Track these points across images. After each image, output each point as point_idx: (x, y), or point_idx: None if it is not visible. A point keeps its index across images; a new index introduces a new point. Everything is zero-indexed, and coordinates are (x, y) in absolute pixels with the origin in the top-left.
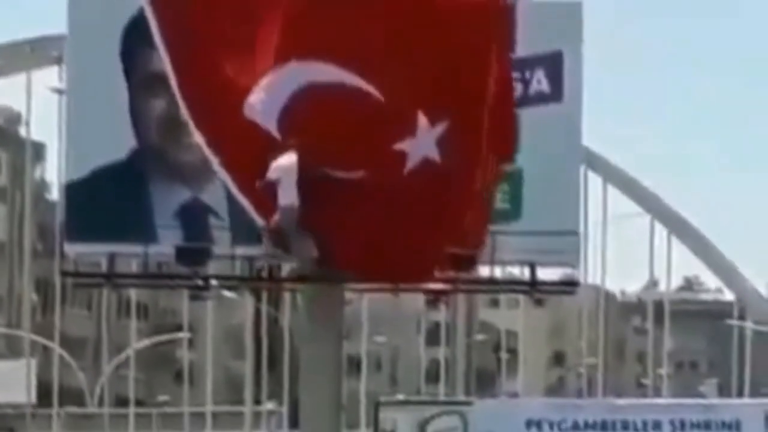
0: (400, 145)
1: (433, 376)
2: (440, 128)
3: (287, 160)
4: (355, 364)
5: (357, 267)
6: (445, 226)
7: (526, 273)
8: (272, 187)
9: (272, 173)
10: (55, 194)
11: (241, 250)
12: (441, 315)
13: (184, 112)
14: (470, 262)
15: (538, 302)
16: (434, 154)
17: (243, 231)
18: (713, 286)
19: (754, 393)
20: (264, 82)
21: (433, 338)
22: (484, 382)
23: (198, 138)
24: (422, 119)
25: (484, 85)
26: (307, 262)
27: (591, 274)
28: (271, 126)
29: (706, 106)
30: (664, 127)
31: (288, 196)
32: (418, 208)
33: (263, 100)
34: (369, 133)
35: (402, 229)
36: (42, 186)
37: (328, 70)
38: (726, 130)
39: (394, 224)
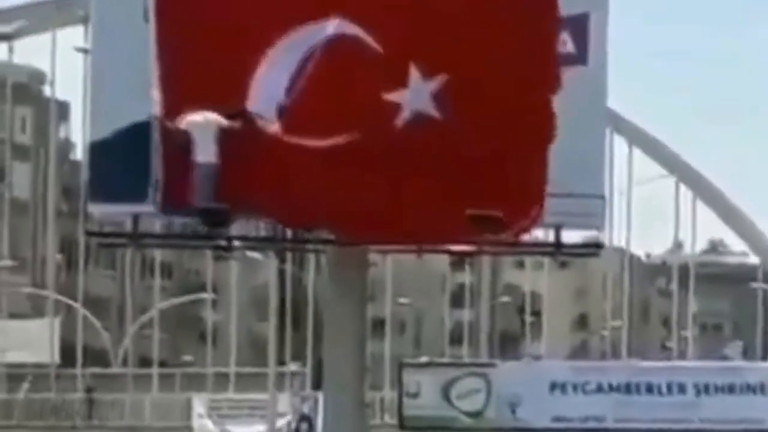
0: (391, 96)
1: (457, 338)
2: (436, 82)
3: (201, 116)
4: (379, 326)
5: (371, 235)
6: (462, 186)
7: (550, 235)
8: (183, 138)
9: (183, 124)
10: (79, 154)
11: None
12: (465, 277)
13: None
14: (499, 225)
15: (563, 264)
16: (430, 109)
17: None
18: (738, 249)
19: None
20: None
21: (457, 300)
22: (508, 345)
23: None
24: (414, 71)
25: (493, 43)
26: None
27: (616, 236)
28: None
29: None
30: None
31: (205, 153)
32: (420, 164)
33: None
34: (360, 85)
35: (405, 188)
36: (66, 145)
37: (330, 23)
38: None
39: (395, 184)
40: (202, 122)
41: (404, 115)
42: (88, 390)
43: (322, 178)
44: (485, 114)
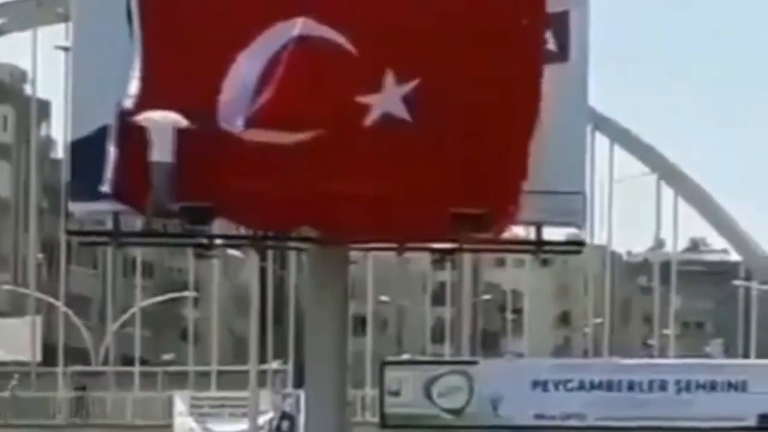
0: (363, 99)
1: (438, 336)
2: (409, 86)
3: (159, 115)
4: (360, 324)
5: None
6: (442, 185)
7: (532, 233)
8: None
9: (142, 121)
10: (60, 152)
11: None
12: (446, 275)
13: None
14: (482, 223)
15: (544, 262)
16: (400, 111)
17: None
18: (719, 247)
19: (760, 353)
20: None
21: (438, 298)
22: (490, 342)
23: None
24: (389, 77)
25: (468, 47)
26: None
27: (597, 234)
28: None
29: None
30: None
31: (161, 153)
32: (396, 163)
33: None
34: (333, 87)
35: (385, 188)
36: (47, 144)
37: (308, 24)
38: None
39: (374, 184)
40: (159, 121)
41: (373, 116)
42: (80, 388)
43: (295, 177)
44: (462, 114)
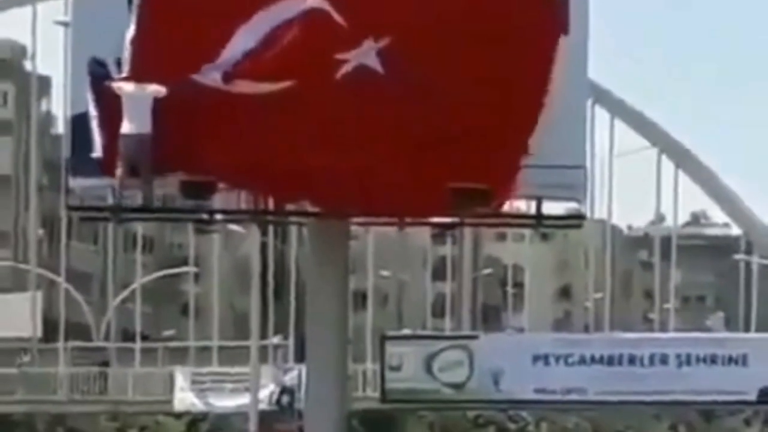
0: (338, 55)
1: (439, 311)
2: (383, 42)
3: (134, 86)
4: (361, 299)
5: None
6: (442, 158)
7: (532, 207)
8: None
9: (116, 89)
10: (60, 128)
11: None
12: (447, 249)
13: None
14: (483, 197)
15: (544, 236)
16: (373, 63)
17: None
18: (720, 221)
19: (761, 327)
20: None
21: (439, 273)
22: (491, 317)
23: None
24: (369, 40)
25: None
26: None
27: (597, 208)
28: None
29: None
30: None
31: (135, 125)
32: (392, 136)
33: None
34: (314, 46)
35: (382, 161)
36: (48, 120)
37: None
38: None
39: (371, 158)
40: (133, 92)
41: (344, 70)
42: (104, 363)
43: (280, 139)
44: (459, 87)
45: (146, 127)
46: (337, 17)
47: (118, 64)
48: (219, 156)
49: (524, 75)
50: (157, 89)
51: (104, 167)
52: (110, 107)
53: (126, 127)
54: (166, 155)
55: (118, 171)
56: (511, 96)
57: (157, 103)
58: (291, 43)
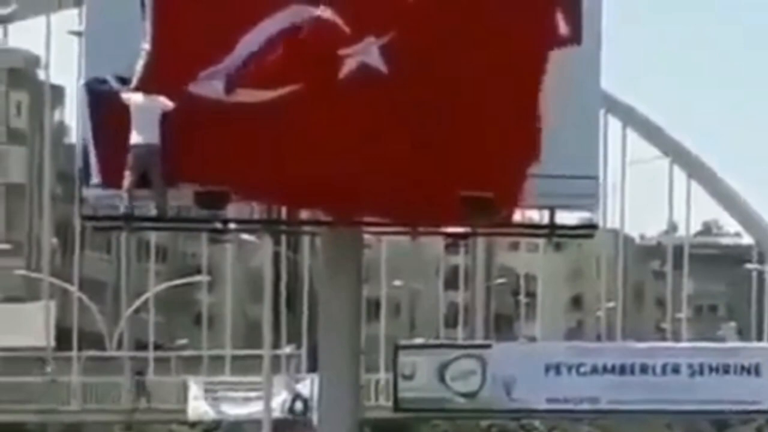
0: (338, 52)
1: (451, 320)
2: (385, 38)
3: (143, 97)
4: (374, 308)
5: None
6: (452, 167)
7: (545, 217)
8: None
9: (126, 100)
10: (74, 137)
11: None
12: (460, 258)
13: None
14: (492, 207)
15: (557, 246)
16: (376, 61)
17: None
18: (732, 230)
19: None
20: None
21: (451, 282)
22: (503, 326)
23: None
24: (369, 38)
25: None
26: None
27: (610, 218)
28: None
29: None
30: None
31: (145, 136)
32: (366, 129)
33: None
34: (312, 46)
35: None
36: (61, 129)
37: (303, 9)
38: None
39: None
40: (142, 103)
41: (347, 68)
42: (139, 373)
43: (297, 163)
44: (464, 95)
45: (155, 138)
46: (341, 23)
47: (121, 80)
48: (230, 168)
49: (519, 81)
50: (164, 102)
51: (108, 181)
52: (114, 121)
53: (135, 138)
54: (178, 168)
55: (126, 181)
56: (509, 101)
57: (166, 117)
58: (292, 48)
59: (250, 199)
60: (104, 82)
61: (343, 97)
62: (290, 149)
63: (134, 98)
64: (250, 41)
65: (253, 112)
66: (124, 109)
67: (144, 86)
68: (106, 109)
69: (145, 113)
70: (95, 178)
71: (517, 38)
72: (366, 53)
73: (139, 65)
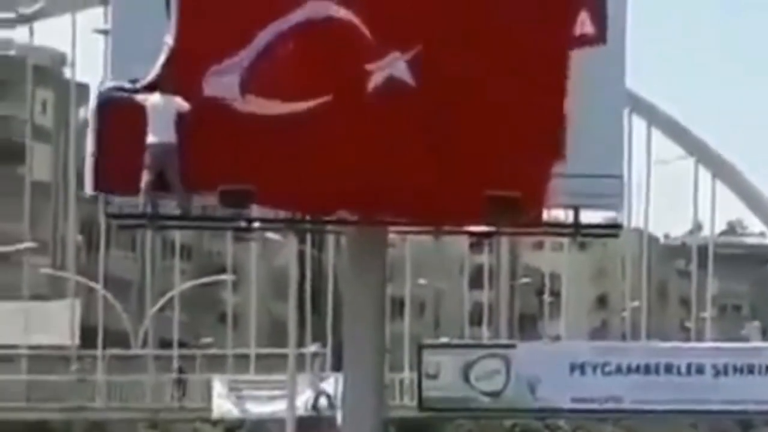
0: (366, 66)
1: (476, 319)
2: (411, 52)
3: (160, 97)
4: (398, 307)
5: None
6: (477, 167)
7: (570, 216)
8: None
9: (142, 100)
10: None
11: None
12: (484, 258)
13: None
14: (517, 207)
15: (582, 245)
16: (403, 74)
17: None
18: (757, 230)
19: None
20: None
21: (476, 281)
22: (527, 326)
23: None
24: (395, 52)
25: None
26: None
27: (634, 217)
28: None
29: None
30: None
31: (158, 134)
32: (401, 149)
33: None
34: (337, 56)
35: (419, 168)
36: (86, 127)
37: (323, 6)
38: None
39: (407, 164)
40: (158, 103)
41: (374, 83)
42: (179, 371)
43: (322, 163)
44: (488, 95)
45: (171, 137)
46: (364, 29)
47: (133, 87)
48: (254, 171)
49: (544, 81)
50: (180, 103)
51: (121, 187)
52: (128, 127)
53: (151, 138)
54: (199, 169)
55: (144, 180)
56: (534, 101)
57: (183, 118)
58: (317, 59)
59: (275, 202)
60: (119, 89)
61: (371, 110)
62: (316, 158)
63: (150, 99)
64: (264, 36)
65: (278, 122)
66: (138, 115)
67: (163, 82)
68: (119, 116)
69: (162, 113)
70: (90, 187)
71: (541, 39)
72: (394, 67)
73: (160, 60)
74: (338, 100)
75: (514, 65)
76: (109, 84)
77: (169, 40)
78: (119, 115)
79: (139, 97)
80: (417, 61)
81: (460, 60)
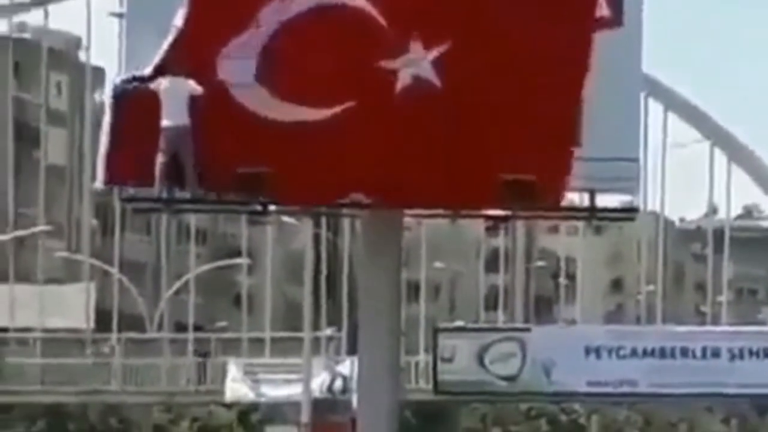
0: (388, 64)
1: (491, 303)
2: (437, 51)
3: (171, 81)
4: (413, 290)
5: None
6: (493, 151)
7: (585, 200)
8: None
9: (155, 86)
10: None
11: None
12: (500, 241)
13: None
14: (533, 191)
15: (597, 229)
16: (429, 75)
17: None
18: None
19: None
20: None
21: (492, 264)
22: (543, 309)
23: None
24: (416, 44)
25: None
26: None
27: (650, 201)
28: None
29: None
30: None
31: (175, 118)
32: (418, 134)
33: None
34: (357, 54)
35: (434, 154)
36: (102, 110)
37: None
38: None
39: (421, 150)
40: (170, 87)
41: (401, 84)
42: (204, 355)
43: (338, 146)
44: (506, 80)
45: (184, 119)
46: (380, 19)
47: (144, 75)
48: (270, 158)
49: (564, 67)
50: (193, 86)
51: (137, 177)
52: (143, 114)
53: (165, 121)
54: (214, 150)
55: (158, 163)
56: (552, 85)
57: (196, 100)
58: (336, 57)
59: (290, 185)
60: (133, 80)
61: (396, 112)
62: (334, 143)
63: (163, 83)
64: (272, 18)
65: (303, 127)
66: (153, 103)
67: (171, 64)
68: (134, 107)
69: (174, 96)
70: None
71: (565, 23)
72: (420, 67)
73: (167, 42)
74: (364, 105)
75: (536, 52)
76: (123, 76)
77: (178, 21)
78: (134, 106)
79: (152, 84)
80: (443, 60)
81: (484, 54)
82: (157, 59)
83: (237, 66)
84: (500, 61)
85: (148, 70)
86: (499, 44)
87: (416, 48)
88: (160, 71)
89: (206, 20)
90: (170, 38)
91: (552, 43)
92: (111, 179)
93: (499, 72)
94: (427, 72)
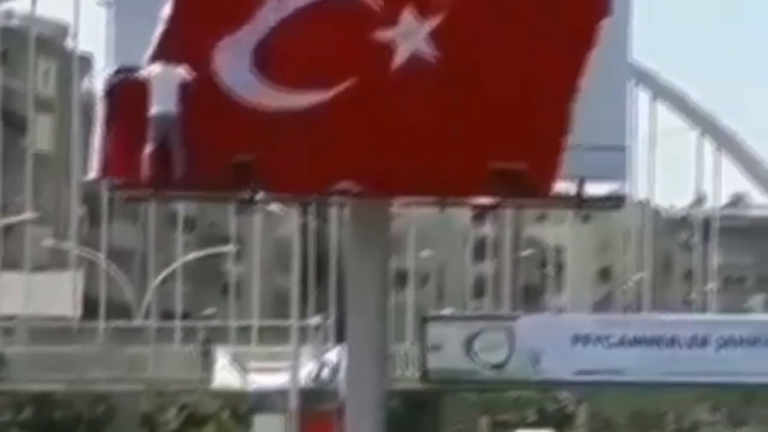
0: (384, 35)
1: (479, 291)
2: (433, 22)
3: (161, 68)
4: (401, 279)
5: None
6: (483, 139)
7: (573, 188)
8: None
9: (145, 74)
10: None
11: None
12: (488, 230)
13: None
14: (522, 180)
15: (585, 217)
16: (426, 49)
17: None
18: (761, 202)
19: None
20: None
21: (479, 253)
22: (531, 298)
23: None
24: (407, 13)
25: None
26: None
27: (638, 189)
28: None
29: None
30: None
31: (161, 104)
32: (409, 122)
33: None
34: (352, 31)
35: (423, 141)
36: (89, 98)
37: None
38: None
39: (412, 136)
40: (160, 73)
41: (398, 60)
42: (207, 342)
43: (327, 133)
44: (499, 65)
45: (172, 106)
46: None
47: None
48: (261, 142)
49: (561, 56)
50: (182, 74)
51: (129, 172)
52: (134, 105)
53: (154, 109)
54: (204, 138)
55: (146, 150)
56: (549, 75)
57: (187, 87)
58: (328, 42)
59: (279, 173)
60: (124, 71)
61: (391, 92)
62: (323, 130)
63: (153, 70)
64: (267, 13)
65: (293, 115)
66: (143, 94)
67: (163, 54)
68: (125, 100)
69: (164, 83)
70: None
71: (564, 13)
72: (416, 40)
73: (157, 32)
74: (359, 86)
75: (536, 38)
76: (113, 68)
77: (166, 12)
78: (126, 98)
79: (143, 73)
80: (439, 33)
81: (481, 32)
82: (150, 50)
83: (231, 56)
84: (501, 48)
85: (141, 62)
86: (503, 29)
87: (407, 16)
88: (153, 61)
89: (201, 12)
90: (162, 28)
91: (557, 29)
92: (104, 172)
93: (494, 57)
94: (423, 45)
